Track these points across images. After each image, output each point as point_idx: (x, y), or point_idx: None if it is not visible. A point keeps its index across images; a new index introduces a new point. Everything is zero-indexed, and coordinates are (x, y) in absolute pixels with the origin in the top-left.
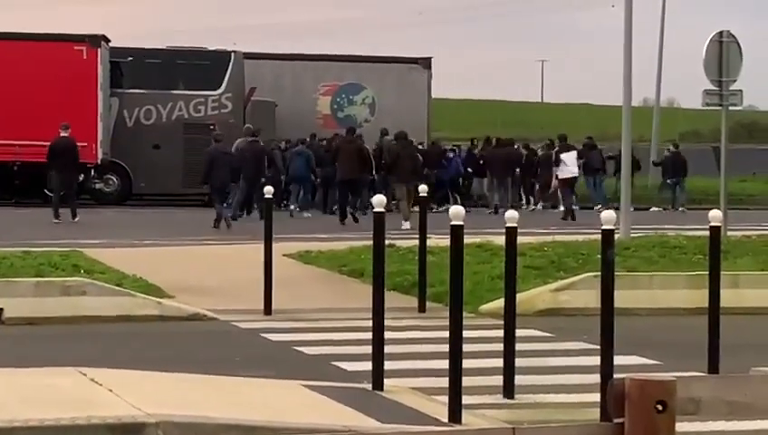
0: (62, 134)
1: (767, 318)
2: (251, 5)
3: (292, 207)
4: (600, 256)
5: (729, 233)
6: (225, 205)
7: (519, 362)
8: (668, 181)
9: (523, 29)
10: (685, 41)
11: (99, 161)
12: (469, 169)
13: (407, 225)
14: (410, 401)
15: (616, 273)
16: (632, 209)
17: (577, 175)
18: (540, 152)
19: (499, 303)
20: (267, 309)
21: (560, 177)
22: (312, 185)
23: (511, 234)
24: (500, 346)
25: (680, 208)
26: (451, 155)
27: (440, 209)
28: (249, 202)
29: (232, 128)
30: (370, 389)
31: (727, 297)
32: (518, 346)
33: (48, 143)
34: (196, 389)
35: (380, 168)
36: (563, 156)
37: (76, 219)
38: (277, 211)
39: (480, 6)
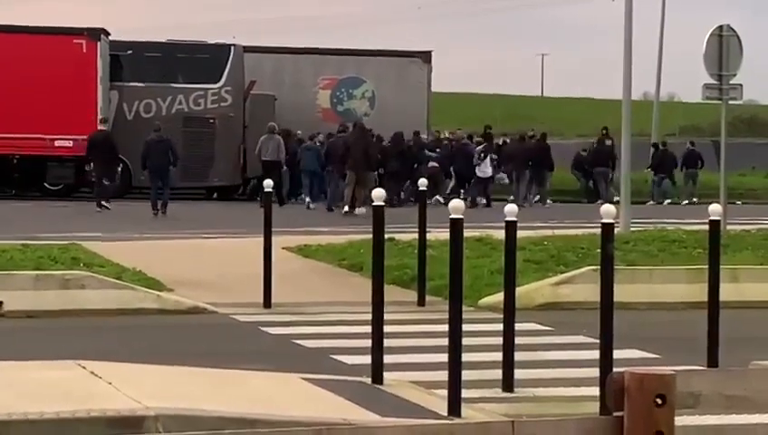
0: (100, 127)
1: (766, 312)
2: None
3: (307, 199)
4: (599, 250)
5: (729, 227)
6: (160, 192)
7: (518, 355)
8: (655, 177)
9: (524, 23)
10: (685, 35)
11: None
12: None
13: (360, 210)
14: (409, 394)
15: (615, 267)
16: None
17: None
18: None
19: (498, 296)
20: (266, 302)
21: (483, 176)
22: (322, 178)
23: (510, 228)
24: (499, 340)
25: (667, 201)
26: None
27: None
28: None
29: (232, 121)
30: (370, 382)
31: (727, 291)
32: (517, 340)
33: (48, 136)
34: (196, 382)
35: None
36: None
37: (99, 210)
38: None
39: (480, 0)
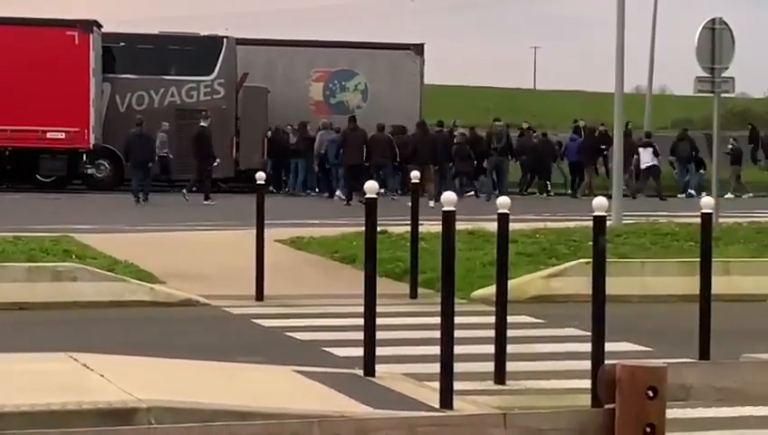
0: (202, 124)
1: (758, 305)
2: None
3: (338, 192)
4: (591, 242)
5: (720, 220)
6: (141, 184)
7: (510, 348)
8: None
9: (516, 15)
10: (678, 28)
11: (91, 147)
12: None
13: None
14: (401, 386)
15: (607, 259)
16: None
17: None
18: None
19: (490, 289)
20: (259, 295)
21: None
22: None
23: (503, 220)
24: (491, 332)
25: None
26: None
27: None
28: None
29: (224, 113)
30: (362, 375)
31: (718, 284)
32: (509, 332)
33: (40, 128)
34: (188, 374)
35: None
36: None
37: (207, 202)
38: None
39: None
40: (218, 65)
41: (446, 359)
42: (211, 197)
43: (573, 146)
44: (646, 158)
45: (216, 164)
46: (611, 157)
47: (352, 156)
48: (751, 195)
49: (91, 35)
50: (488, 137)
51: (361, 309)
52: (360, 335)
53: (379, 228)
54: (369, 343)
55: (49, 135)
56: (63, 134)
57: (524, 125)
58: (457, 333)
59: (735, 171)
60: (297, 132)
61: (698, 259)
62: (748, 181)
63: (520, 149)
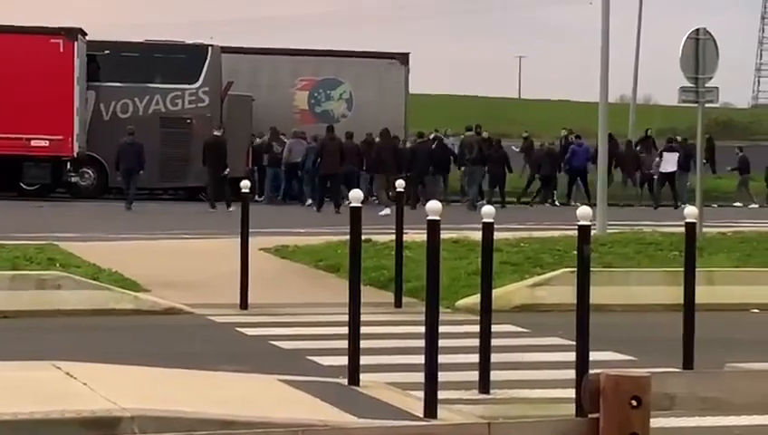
0: (215, 133)
1: (741, 314)
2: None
3: (309, 200)
4: (576, 252)
5: (704, 230)
6: (128, 191)
7: (495, 357)
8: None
9: (501, 25)
10: (662, 38)
11: (75, 155)
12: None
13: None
14: (386, 396)
15: (592, 269)
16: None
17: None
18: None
19: (475, 298)
20: (243, 303)
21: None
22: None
23: (487, 229)
24: (476, 342)
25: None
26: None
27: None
28: (321, 195)
29: (208, 122)
30: (346, 384)
31: (702, 294)
32: (494, 342)
33: (25, 136)
34: (172, 383)
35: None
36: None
37: (231, 209)
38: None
39: (458, 2)
40: (203, 73)
41: (431, 368)
42: (216, 205)
43: (582, 151)
44: (670, 162)
45: (226, 173)
46: (624, 165)
47: (327, 165)
48: (756, 205)
49: (75, 43)
50: (461, 147)
51: (346, 318)
52: (344, 344)
53: (363, 237)
54: (354, 351)
55: (33, 143)
56: (47, 142)
57: (485, 133)
58: (442, 343)
59: (744, 180)
60: (279, 143)
61: (682, 269)
62: (729, 192)
63: (532, 159)
